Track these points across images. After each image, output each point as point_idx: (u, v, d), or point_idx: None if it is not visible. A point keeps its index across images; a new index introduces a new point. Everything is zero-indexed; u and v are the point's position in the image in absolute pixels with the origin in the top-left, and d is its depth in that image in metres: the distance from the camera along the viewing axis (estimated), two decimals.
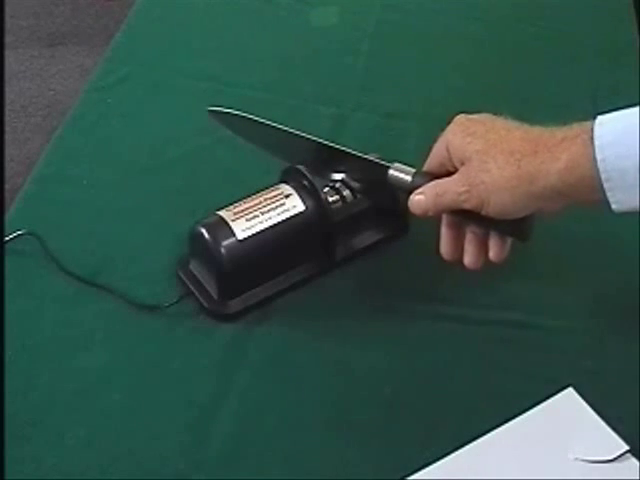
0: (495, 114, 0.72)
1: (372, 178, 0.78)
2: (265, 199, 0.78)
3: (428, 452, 0.68)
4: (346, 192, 0.80)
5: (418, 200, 0.72)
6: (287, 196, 0.79)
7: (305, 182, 0.79)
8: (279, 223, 0.77)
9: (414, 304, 0.80)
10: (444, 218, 0.74)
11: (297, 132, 0.79)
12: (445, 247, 0.75)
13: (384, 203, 0.82)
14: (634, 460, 0.68)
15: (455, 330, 0.78)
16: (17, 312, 0.77)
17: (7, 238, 0.81)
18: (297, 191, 0.79)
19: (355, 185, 0.80)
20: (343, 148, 0.78)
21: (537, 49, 1.11)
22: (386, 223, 0.84)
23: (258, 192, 0.79)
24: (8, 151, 1.91)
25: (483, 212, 0.69)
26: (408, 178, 0.74)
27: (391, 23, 1.14)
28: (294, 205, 0.78)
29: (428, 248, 0.84)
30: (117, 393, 0.72)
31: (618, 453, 0.68)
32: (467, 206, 0.69)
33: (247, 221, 0.76)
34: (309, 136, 0.79)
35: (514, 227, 0.71)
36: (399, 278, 0.82)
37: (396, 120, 0.99)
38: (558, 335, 0.78)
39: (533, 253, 0.84)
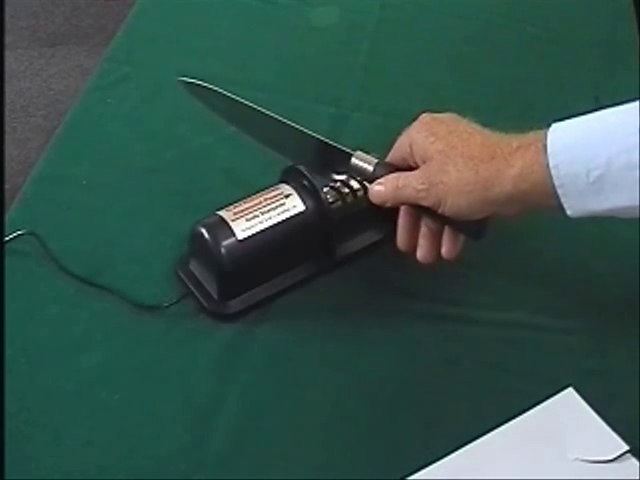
0: (460, 115, 0.74)
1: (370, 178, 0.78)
2: (265, 199, 0.78)
3: (428, 452, 0.68)
4: (346, 192, 0.80)
5: (378, 190, 0.74)
6: (287, 196, 0.79)
7: (305, 182, 0.79)
8: (279, 223, 0.77)
9: (414, 304, 0.80)
10: (402, 208, 0.76)
11: (259, 108, 0.80)
12: (401, 237, 0.77)
13: None
14: (634, 460, 0.68)
15: (455, 330, 0.78)
16: (17, 312, 0.77)
17: (7, 238, 0.81)
18: (297, 191, 0.79)
19: (355, 185, 0.80)
20: (309, 132, 0.79)
21: (537, 49, 1.11)
22: (386, 223, 0.84)
23: (258, 192, 0.79)
24: (8, 151, 1.91)
25: (439, 211, 0.71)
26: (370, 168, 0.76)
27: (391, 23, 1.14)
28: (294, 205, 0.78)
29: None
30: (117, 393, 0.72)
31: (618, 453, 0.68)
32: (424, 203, 0.72)
33: (247, 221, 0.76)
34: (268, 112, 0.80)
35: (468, 226, 0.73)
36: (399, 278, 0.82)
37: (396, 120, 0.98)
38: (558, 335, 0.78)
39: (533, 253, 0.84)
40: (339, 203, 0.80)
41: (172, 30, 1.11)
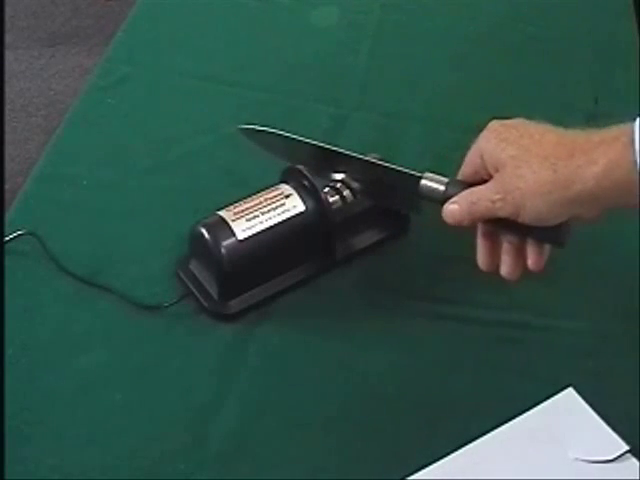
0: (529, 118, 0.70)
1: (373, 178, 0.78)
2: (265, 199, 0.78)
3: (428, 452, 0.68)
4: (346, 192, 0.80)
5: (452, 210, 0.70)
6: (287, 196, 0.79)
7: (305, 182, 0.79)
8: (279, 223, 0.77)
9: (414, 304, 0.80)
10: (479, 228, 0.72)
11: (328, 146, 0.78)
12: (482, 258, 0.73)
13: (384, 203, 0.81)
14: (634, 460, 0.68)
15: (455, 330, 0.78)
16: (17, 312, 0.77)
17: (7, 238, 0.81)
18: (297, 191, 0.79)
19: (355, 185, 0.80)
20: (376, 161, 0.77)
21: (537, 49, 1.11)
22: (386, 223, 0.84)
23: (258, 192, 0.79)
24: (8, 151, 1.91)
25: (519, 219, 0.67)
26: (441, 188, 0.72)
27: (391, 23, 1.14)
28: (294, 205, 0.78)
29: (428, 248, 0.84)
30: (117, 393, 0.72)
31: (618, 453, 0.68)
32: (502, 214, 0.68)
33: (247, 221, 0.77)
34: (341, 150, 0.78)
35: (551, 234, 0.69)
36: (399, 278, 0.82)
37: (396, 120, 0.99)
38: (558, 335, 0.78)
39: None
40: (339, 203, 0.80)
41: (172, 30, 1.11)
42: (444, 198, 0.71)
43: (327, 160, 0.79)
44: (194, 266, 0.80)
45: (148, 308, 0.77)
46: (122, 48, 1.08)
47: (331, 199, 0.79)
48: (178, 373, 0.74)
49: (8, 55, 2.18)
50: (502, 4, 1.18)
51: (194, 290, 0.78)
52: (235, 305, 0.78)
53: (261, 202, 0.78)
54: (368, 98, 1.02)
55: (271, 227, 0.77)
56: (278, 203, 0.78)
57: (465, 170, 0.72)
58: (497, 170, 0.68)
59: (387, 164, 0.76)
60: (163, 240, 0.84)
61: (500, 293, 0.81)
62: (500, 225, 0.70)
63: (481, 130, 0.71)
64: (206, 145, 0.94)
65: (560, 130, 0.68)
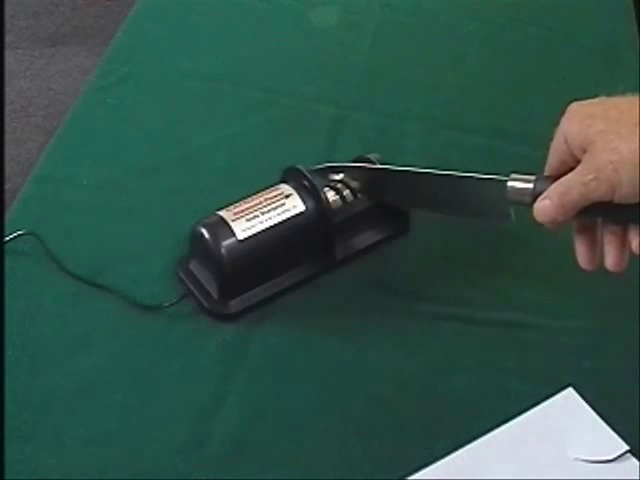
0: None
1: (371, 179, 0.78)
2: (265, 199, 0.78)
3: (428, 452, 0.68)
4: (346, 192, 0.80)
5: (543, 206, 0.65)
6: (287, 196, 0.79)
7: (305, 182, 0.79)
8: (279, 223, 0.77)
9: (414, 304, 0.80)
10: (575, 225, 0.68)
11: (415, 169, 0.76)
12: (582, 255, 0.69)
13: (384, 203, 0.82)
14: (634, 460, 0.68)
15: (455, 330, 0.78)
16: (17, 312, 0.77)
17: (7, 238, 0.81)
18: (297, 191, 0.79)
19: (355, 185, 0.80)
20: (460, 174, 0.74)
21: (537, 49, 1.11)
22: (386, 223, 0.84)
23: (258, 192, 0.79)
24: (8, 151, 1.91)
25: (615, 198, 0.62)
26: (529, 186, 0.68)
27: (391, 23, 1.14)
28: (294, 205, 0.78)
29: (428, 248, 0.84)
30: (117, 393, 0.72)
31: (618, 453, 0.68)
32: (596, 195, 0.62)
33: (247, 221, 0.77)
34: (424, 170, 0.76)
35: None
36: (399, 278, 0.82)
37: (396, 120, 0.99)
38: (558, 335, 0.78)
39: (534, 253, 0.84)
40: (339, 203, 0.80)
41: (172, 30, 1.11)
42: (533, 197, 0.67)
43: (413, 184, 0.78)
44: (194, 266, 0.80)
45: (148, 308, 0.77)
46: (122, 48, 1.08)
47: (331, 199, 0.79)
48: (178, 373, 0.74)
49: (8, 55, 2.18)
50: (502, 4, 1.18)
51: (194, 290, 0.78)
52: (235, 305, 0.78)
53: (261, 202, 0.78)
54: (368, 98, 1.02)
55: (271, 227, 0.77)
56: (278, 203, 0.78)
57: (551, 162, 0.67)
58: (585, 150, 0.63)
59: (470, 174, 0.73)
60: (163, 240, 0.84)
61: (500, 293, 0.81)
62: (596, 213, 0.66)
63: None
64: (206, 145, 0.94)
65: None
